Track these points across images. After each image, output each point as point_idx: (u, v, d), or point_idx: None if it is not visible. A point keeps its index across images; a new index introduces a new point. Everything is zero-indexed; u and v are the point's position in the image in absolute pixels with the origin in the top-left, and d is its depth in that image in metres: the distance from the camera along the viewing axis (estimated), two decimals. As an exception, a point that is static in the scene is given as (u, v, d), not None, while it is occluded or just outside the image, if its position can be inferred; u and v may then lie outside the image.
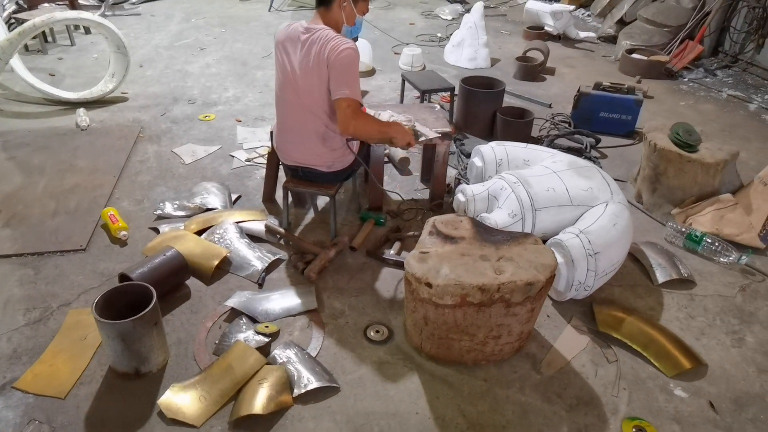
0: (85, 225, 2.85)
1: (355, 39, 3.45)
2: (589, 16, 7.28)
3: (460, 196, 2.81)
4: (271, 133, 2.81)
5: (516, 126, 3.81)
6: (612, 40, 6.24)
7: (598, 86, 4.10)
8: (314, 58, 2.34)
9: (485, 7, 7.45)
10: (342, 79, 2.32)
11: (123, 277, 2.34)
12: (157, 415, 1.93)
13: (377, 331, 2.30)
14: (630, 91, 4.05)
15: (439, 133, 2.83)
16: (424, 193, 3.26)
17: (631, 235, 2.58)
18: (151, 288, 2.06)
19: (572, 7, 6.58)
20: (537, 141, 3.86)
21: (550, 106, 4.53)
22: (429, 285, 1.95)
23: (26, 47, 5.22)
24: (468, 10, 5.91)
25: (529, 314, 2.05)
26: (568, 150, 3.69)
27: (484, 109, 3.93)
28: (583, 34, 6.38)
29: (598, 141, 3.85)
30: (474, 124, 3.98)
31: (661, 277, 2.63)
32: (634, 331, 2.31)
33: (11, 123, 3.90)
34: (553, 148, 3.68)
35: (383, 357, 2.19)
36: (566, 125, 4.14)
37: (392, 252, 2.73)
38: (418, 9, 7.36)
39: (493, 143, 3.08)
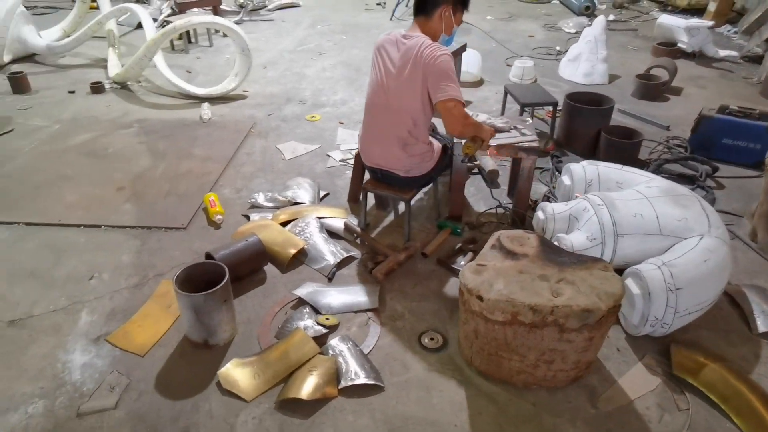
0: (189, 207, 3.16)
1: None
2: (735, 33, 6.61)
3: (539, 214, 2.71)
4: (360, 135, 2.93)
5: (621, 147, 3.58)
6: (757, 60, 5.61)
7: (723, 110, 3.72)
8: (410, 63, 2.41)
9: (615, 21, 7.09)
10: (444, 82, 2.38)
11: (208, 256, 2.57)
12: (215, 384, 2.10)
13: (432, 339, 2.30)
14: (762, 117, 3.63)
15: (524, 147, 2.76)
16: (509, 208, 3.19)
17: (728, 274, 2.32)
18: (225, 268, 2.25)
19: (710, 23, 6.00)
20: (644, 164, 3.59)
21: (667, 128, 4.19)
22: (480, 298, 1.92)
23: (173, 47, 5.88)
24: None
25: (586, 343, 1.94)
26: (680, 177, 3.41)
27: (588, 127, 3.75)
28: (723, 53, 5.80)
29: (715, 169, 3.50)
30: (576, 142, 3.81)
31: (762, 325, 2.34)
32: (715, 380, 2.08)
33: (147, 112, 4.43)
34: (663, 173, 3.42)
35: (433, 365, 2.19)
36: (681, 150, 3.81)
37: (463, 263, 2.71)
38: (540, 21, 7.16)
39: (584, 162, 2.93)
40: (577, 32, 6.48)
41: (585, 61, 5.12)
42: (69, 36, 5.69)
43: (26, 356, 2.23)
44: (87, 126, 4.15)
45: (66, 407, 2.02)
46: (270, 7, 7.48)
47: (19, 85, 4.71)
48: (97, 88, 4.74)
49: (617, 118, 4.24)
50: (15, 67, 5.18)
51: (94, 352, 2.25)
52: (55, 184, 3.39)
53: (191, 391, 2.08)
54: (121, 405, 2.02)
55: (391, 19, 7.11)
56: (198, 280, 2.27)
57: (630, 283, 2.26)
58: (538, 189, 3.36)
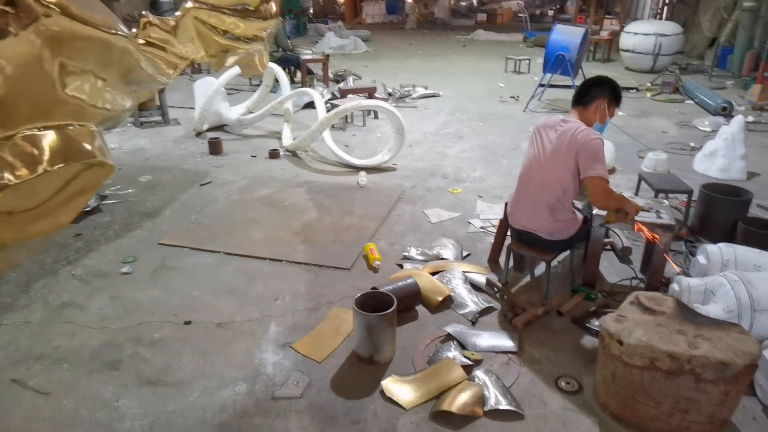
0: (352, 252, 3.73)
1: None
2: None
3: (674, 286, 2.91)
4: (506, 204, 3.37)
5: (760, 238, 3.65)
6: None
7: None
8: (566, 142, 2.87)
9: (754, 122, 7.09)
10: (593, 161, 2.83)
11: (373, 290, 3.06)
12: (379, 392, 2.51)
13: (568, 383, 2.55)
14: None
15: (662, 225, 3.01)
16: (643, 280, 3.39)
17: None
18: (394, 298, 2.72)
19: None
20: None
21: (812, 226, 4.15)
22: (620, 342, 2.19)
23: (332, 125, 6.83)
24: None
25: (722, 397, 2.11)
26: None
27: (724, 217, 3.87)
28: None
29: None
30: (711, 231, 3.93)
31: None
32: None
33: (314, 176, 5.24)
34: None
35: (569, 405, 2.43)
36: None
37: (597, 324, 2.95)
38: (673, 119, 7.34)
39: (722, 244, 3.11)
40: (712, 131, 6.57)
41: (721, 156, 5.23)
42: (251, 112, 6.88)
43: (231, 350, 2.81)
44: (267, 183, 5.02)
45: (263, 391, 2.53)
46: (414, 96, 8.41)
47: (215, 148, 5.80)
48: (274, 154, 5.70)
49: (755, 213, 4.29)
50: (210, 134, 6.35)
51: (282, 354, 2.78)
52: (245, 225, 4.16)
53: (359, 394, 2.51)
54: (305, 396, 2.50)
55: (524, 111, 7.68)
56: (368, 306, 2.75)
57: None
58: (670, 270, 3.53)
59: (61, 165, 1.88)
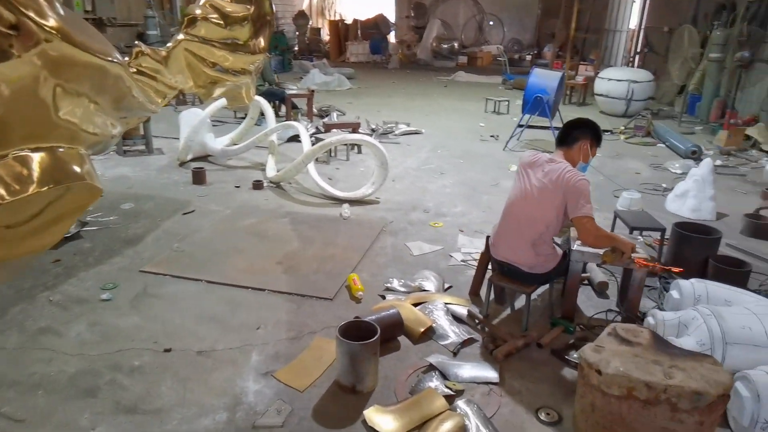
0: (335, 283, 3.76)
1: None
2: None
3: (650, 320, 2.99)
4: (488, 237, 3.45)
5: (730, 275, 3.78)
6: None
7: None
8: (553, 180, 2.99)
9: (722, 166, 7.39)
10: (581, 201, 2.95)
11: (356, 319, 3.07)
12: (361, 422, 2.51)
13: (548, 414, 2.58)
14: None
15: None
16: (621, 312, 3.47)
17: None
18: (377, 327, 2.75)
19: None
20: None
21: (779, 265, 4.32)
22: (599, 372, 2.24)
23: (317, 158, 6.92)
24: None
25: (697, 427, 2.16)
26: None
27: (695, 255, 4.01)
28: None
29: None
30: (683, 267, 4.03)
31: None
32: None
33: (298, 207, 5.28)
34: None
35: (549, 436, 2.46)
36: (794, 285, 3.92)
37: (576, 356, 3.00)
38: (647, 161, 7.61)
39: (694, 279, 3.21)
40: (683, 173, 6.82)
41: (692, 197, 5.43)
42: (236, 144, 6.94)
43: (212, 378, 2.79)
44: (251, 213, 5.04)
45: (244, 420, 2.51)
46: (396, 132, 8.58)
47: (198, 177, 5.82)
48: (258, 185, 5.74)
49: (725, 251, 4.44)
50: (194, 164, 6.37)
51: (263, 383, 2.76)
52: (228, 254, 4.16)
53: (341, 423, 2.51)
54: (286, 425, 2.49)
55: (504, 150, 7.89)
56: (351, 335, 2.77)
57: (739, 386, 2.46)
58: (645, 305, 3.62)
59: (51, 186, 1.90)
